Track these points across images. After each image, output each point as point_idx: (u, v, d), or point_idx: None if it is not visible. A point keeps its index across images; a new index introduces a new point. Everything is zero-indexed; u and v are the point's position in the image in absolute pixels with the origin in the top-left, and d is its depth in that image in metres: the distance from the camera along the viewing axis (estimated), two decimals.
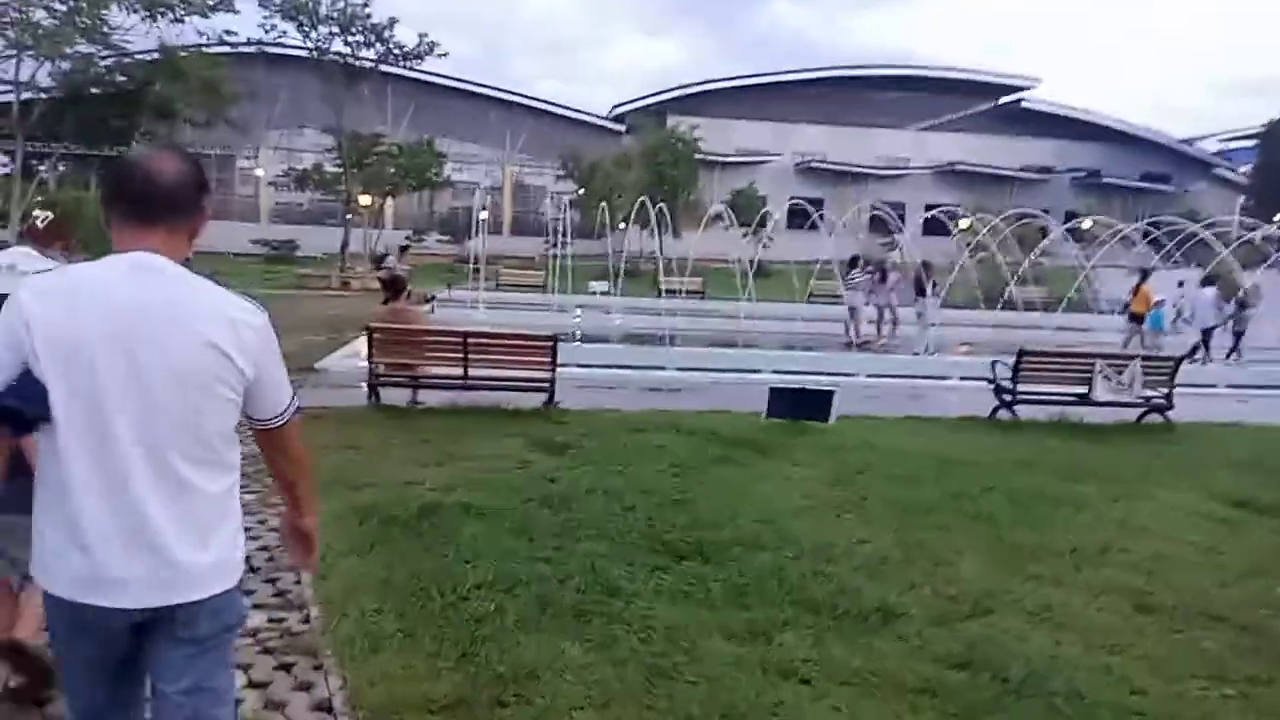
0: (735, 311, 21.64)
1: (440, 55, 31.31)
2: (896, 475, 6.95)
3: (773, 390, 8.45)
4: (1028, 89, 64.58)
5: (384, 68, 32.78)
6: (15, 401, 1.76)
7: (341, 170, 33.90)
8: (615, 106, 58.70)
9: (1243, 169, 66.78)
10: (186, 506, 1.86)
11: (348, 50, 30.25)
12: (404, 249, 21.11)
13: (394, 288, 9.07)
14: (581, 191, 41.62)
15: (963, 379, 13.39)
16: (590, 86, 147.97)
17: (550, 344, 8.54)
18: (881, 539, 5.45)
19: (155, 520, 1.82)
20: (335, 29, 29.55)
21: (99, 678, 1.96)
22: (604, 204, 29.04)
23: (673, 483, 6.38)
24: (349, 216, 35.13)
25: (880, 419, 9.37)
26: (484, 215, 49.52)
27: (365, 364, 8.87)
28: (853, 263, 18.29)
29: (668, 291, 29.65)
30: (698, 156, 40.95)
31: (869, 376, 13.27)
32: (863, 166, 59.23)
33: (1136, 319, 17.31)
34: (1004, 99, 64.91)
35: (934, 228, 37.33)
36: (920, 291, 16.07)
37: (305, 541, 2.29)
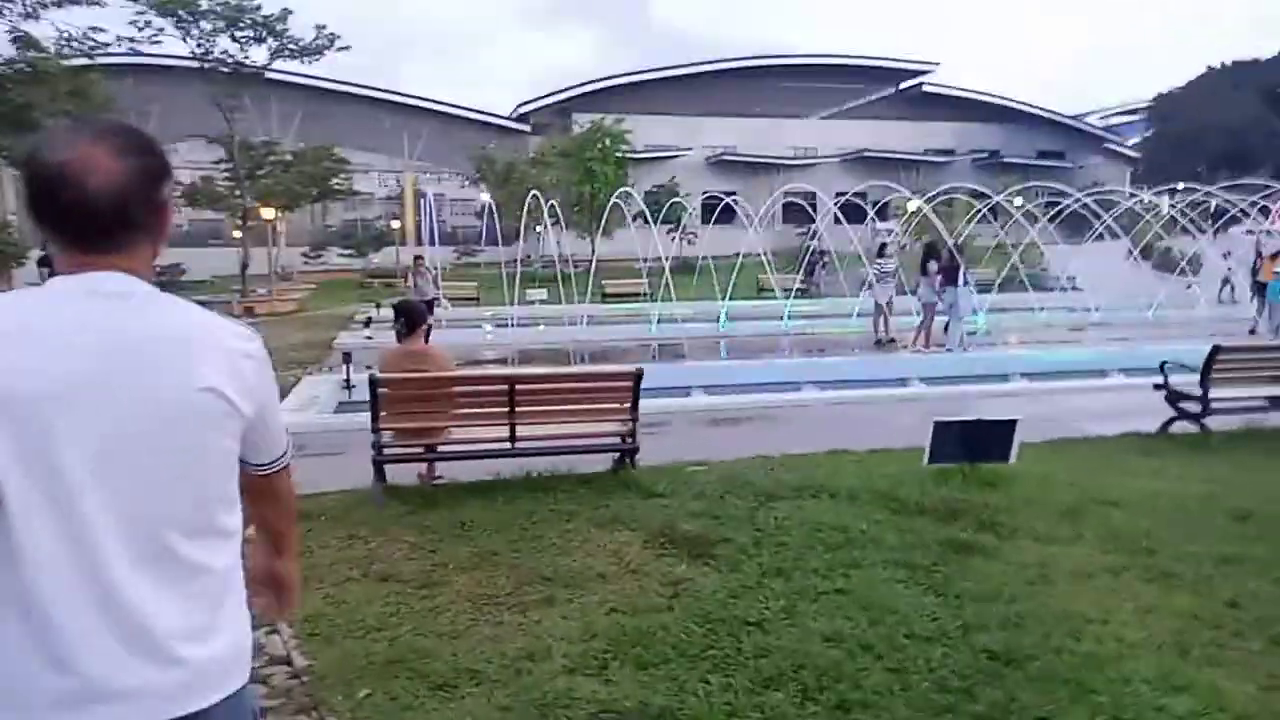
0: (709, 314, 19.35)
1: (341, 49, 27.83)
2: (1206, 552, 4.74)
3: (938, 426, 6.15)
4: (927, 73, 65.07)
5: (269, 73, 29.12)
6: None
7: (234, 183, 30.05)
8: (519, 105, 55.91)
9: (1130, 142, 69.10)
10: (188, 590, 1.46)
11: (235, 48, 26.51)
12: (418, 259, 16.61)
13: (410, 320, 6.33)
14: (486, 196, 38.76)
15: (1027, 375, 11.47)
16: (481, 90, 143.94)
17: (632, 383, 6.02)
18: None
19: (151, 613, 1.42)
20: (220, 24, 25.82)
21: None
22: (531, 204, 26.27)
23: (930, 604, 4.01)
24: (239, 234, 31.38)
25: (1039, 446, 7.17)
26: (395, 225, 46.23)
27: (327, 417, 6.23)
28: (880, 250, 16.14)
29: (611, 296, 27.57)
30: (625, 153, 38.39)
31: (923, 382, 11.19)
32: (774, 157, 58.26)
33: (1264, 289, 17.17)
34: (905, 84, 65.27)
35: (851, 215, 35.30)
36: (951, 280, 14.04)
37: (282, 585, 1.88)
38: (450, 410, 5.95)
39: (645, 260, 26.86)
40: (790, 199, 39.95)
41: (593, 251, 32.29)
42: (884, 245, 16.46)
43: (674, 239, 34.93)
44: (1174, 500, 5.72)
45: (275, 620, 2.13)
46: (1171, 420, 7.77)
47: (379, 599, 4.27)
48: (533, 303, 24.46)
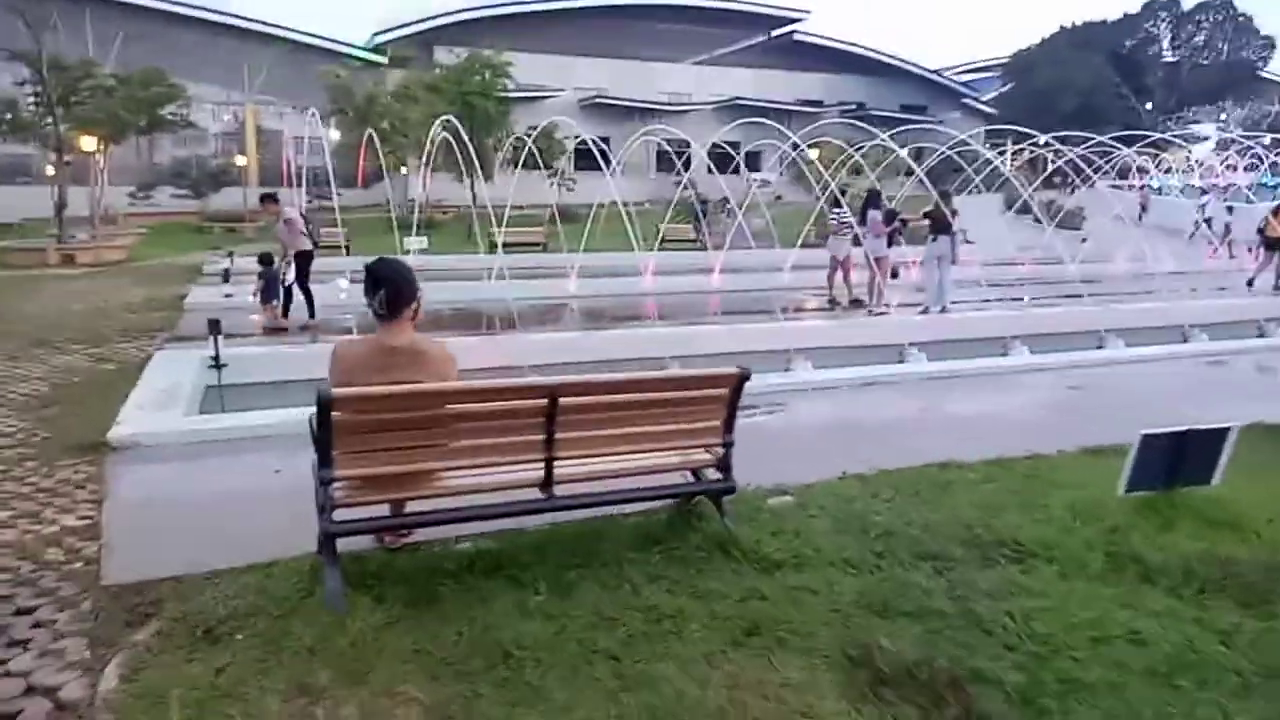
0: (627, 268, 17.13)
1: None
2: None
3: (1145, 440, 4.33)
4: (798, 21, 64.61)
5: None
6: None
7: (44, 109, 25.27)
8: (374, 35, 51.27)
9: (986, 98, 71.20)
10: None
11: None
12: (267, 199, 12.23)
13: (392, 294, 3.70)
14: (336, 134, 34.72)
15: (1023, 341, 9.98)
16: (328, 25, 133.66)
17: (733, 388, 3.85)
18: None
19: None
20: None
21: None
22: (436, 135, 23.08)
23: None
24: (53, 170, 26.70)
25: None
26: (241, 162, 41.47)
27: (194, 421, 3.77)
28: (835, 202, 14.35)
29: (506, 246, 24.96)
30: (509, 90, 35.08)
31: (921, 351, 9.50)
32: (648, 102, 56.34)
33: (1274, 246, 17.08)
34: (777, 31, 64.66)
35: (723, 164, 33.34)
36: (944, 229, 12.37)
37: None
38: (449, 444, 3.59)
39: (542, 206, 24.43)
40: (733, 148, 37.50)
41: (474, 197, 29.37)
42: (841, 192, 14.73)
43: (552, 185, 32.38)
44: None
45: None
46: None
47: None
48: (409, 252, 21.61)
